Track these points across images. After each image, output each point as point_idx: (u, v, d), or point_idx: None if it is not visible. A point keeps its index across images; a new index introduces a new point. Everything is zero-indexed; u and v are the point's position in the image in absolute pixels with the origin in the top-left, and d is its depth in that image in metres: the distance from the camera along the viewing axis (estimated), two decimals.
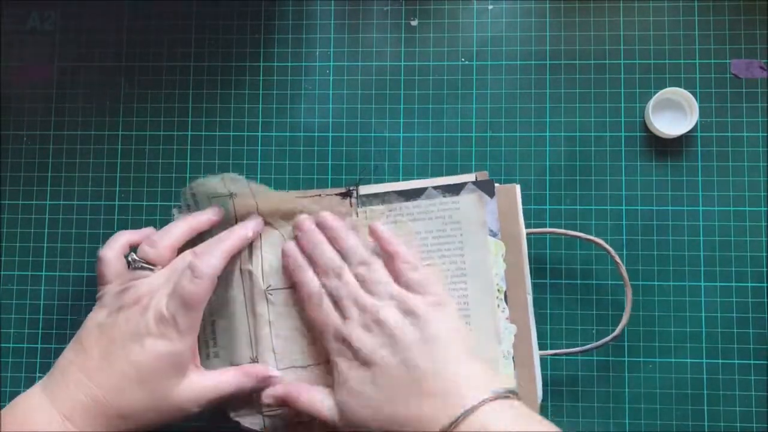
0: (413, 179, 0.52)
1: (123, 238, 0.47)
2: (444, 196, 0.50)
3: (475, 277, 0.49)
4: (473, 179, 0.50)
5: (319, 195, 0.51)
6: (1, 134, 0.56)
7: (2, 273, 0.54)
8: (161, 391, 0.42)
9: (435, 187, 0.50)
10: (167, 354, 0.42)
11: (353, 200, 0.50)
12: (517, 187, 0.50)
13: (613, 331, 0.49)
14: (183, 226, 0.47)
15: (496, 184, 0.50)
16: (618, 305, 0.51)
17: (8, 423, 0.40)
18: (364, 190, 0.51)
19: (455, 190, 0.50)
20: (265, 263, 0.49)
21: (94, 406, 0.41)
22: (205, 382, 0.44)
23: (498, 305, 0.48)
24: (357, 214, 0.50)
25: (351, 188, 0.51)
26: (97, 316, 0.44)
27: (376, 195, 0.51)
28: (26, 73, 0.56)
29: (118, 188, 0.55)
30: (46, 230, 0.55)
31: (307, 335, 0.48)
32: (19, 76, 0.56)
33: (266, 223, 0.49)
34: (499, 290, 0.49)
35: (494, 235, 0.49)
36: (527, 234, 0.50)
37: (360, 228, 0.50)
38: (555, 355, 0.50)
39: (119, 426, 0.41)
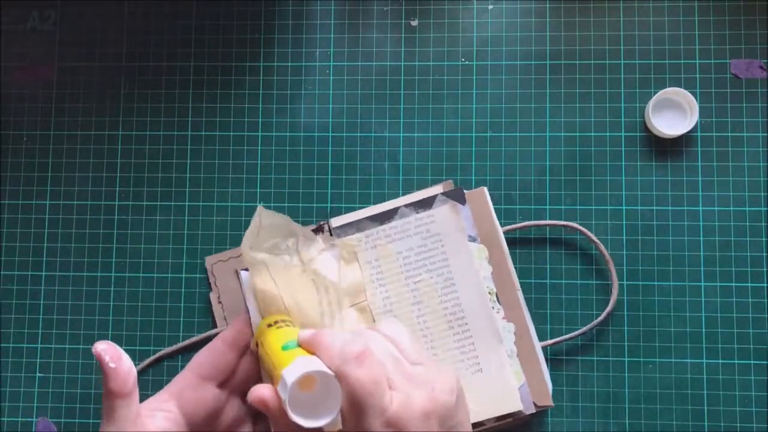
0: (385, 193, 0.53)
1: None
2: (417, 212, 0.50)
3: (464, 285, 0.49)
4: (440, 191, 0.51)
5: None
6: (1, 134, 0.56)
7: (2, 273, 0.54)
8: None
9: (406, 206, 0.51)
10: None
11: (326, 235, 0.51)
12: (485, 189, 0.51)
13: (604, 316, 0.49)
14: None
15: (465, 191, 0.50)
16: (604, 291, 0.51)
17: None
18: (336, 222, 0.51)
19: (427, 204, 0.50)
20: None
21: None
22: None
23: (492, 307, 0.49)
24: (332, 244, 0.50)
25: (322, 223, 0.51)
26: None
27: (349, 224, 0.51)
28: (26, 73, 0.56)
29: (118, 188, 0.55)
30: (46, 230, 0.55)
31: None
32: (19, 76, 0.56)
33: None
34: (490, 292, 0.49)
35: (474, 240, 0.50)
36: (505, 232, 0.50)
37: (348, 259, 0.50)
38: (555, 343, 0.50)
39: None
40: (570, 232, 0.52)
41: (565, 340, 0.51)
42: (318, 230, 0.51)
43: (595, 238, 0.51)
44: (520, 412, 0.48)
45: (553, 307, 0.52)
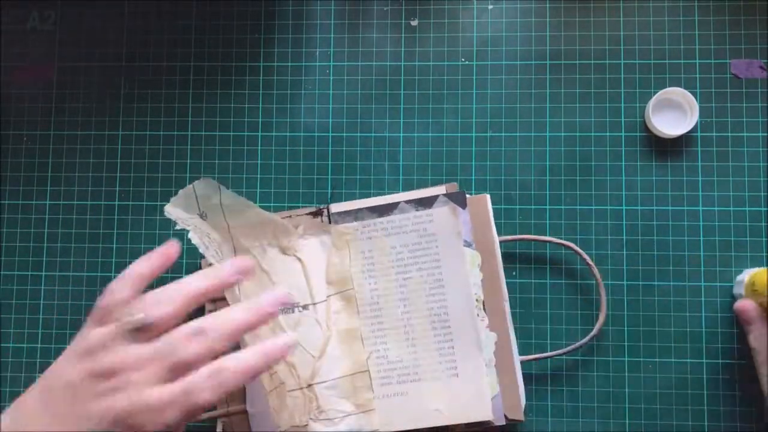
0: (385, 194, 0.52)
1: (136, 270, 0.39)
2: (417, 210, 0.50)
3: (453, 288, 0.49)
4: (443, 191, 0.51)
5: (290, 216, 0.51)
6: (1, 134, 0.56)
7: (2, 273, 0.54)
8: None
9: (407, 202, 0.51)
10: None
11: (324, 219, 0.51)
12: (488, 197, 0.51)
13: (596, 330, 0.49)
14: (200, 283, 0.39)
15: (467, 195, 0.50)
16: (597, 306, 0.51)
17: None
18: (336, 208, 0.51)
19: (427, 203, 0.50)
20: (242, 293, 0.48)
21: None
22: None
23: (477, 314, 0.49)
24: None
25: (322, 207, 0.51)
26: (69, 372, 0.36)
27: (348, 212, 0.51)
28: (26, 73, 0.56)
29: (118, 188, 0.55)
30: (46, 230, 0.55)
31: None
32: (19, 76, 0.56)
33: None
34: (477, 299, 0.49)
35: (469, 245, 0.50)
36: (501, 242, 0.50)
37: (339, 247, 0.50)
38: (536, 359, 0.50)
39: None
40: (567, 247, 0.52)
41: (546, 357, 0.50)
42: (317, 214, 0.51)
43: (589, 260, 0.50)
44: (489, 422, 0.48)
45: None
